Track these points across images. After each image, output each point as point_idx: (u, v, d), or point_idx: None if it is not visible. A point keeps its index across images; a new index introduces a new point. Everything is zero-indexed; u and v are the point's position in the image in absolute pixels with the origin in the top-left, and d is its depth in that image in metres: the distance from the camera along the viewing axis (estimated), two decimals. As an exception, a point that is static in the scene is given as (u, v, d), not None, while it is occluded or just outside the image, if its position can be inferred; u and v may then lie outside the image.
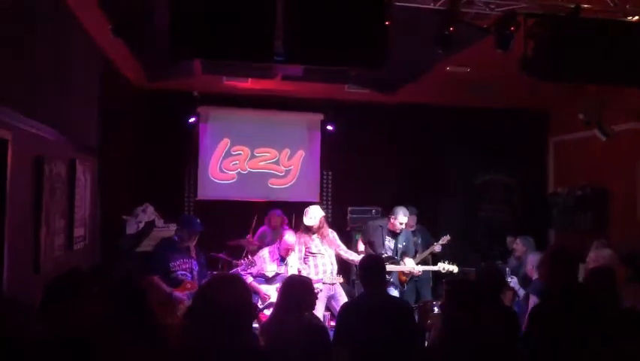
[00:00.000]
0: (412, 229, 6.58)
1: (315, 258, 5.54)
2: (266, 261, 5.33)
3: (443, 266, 5.95)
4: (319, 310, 5.39)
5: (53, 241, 4.22)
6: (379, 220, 6.22)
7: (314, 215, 5.56)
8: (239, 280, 2.38)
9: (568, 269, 3.16)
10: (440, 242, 6.45)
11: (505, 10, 4.11)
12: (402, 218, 5.78)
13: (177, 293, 4.56)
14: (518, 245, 5.83)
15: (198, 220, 4.89)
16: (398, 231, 5.88)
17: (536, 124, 8.81)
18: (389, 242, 5.95)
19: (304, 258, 5.56)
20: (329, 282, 5.48)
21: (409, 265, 5.89)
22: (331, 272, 5.54)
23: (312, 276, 5.32)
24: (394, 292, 5.80)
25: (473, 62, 6.10)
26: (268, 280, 5.30)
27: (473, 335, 2.69)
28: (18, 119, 3.48)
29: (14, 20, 3.44)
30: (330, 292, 5.54)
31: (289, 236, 5.39)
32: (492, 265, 3.98)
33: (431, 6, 4.08)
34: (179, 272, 4.67)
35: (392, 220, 5.84)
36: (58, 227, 4.36)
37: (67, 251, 4.60)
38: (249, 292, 2.28)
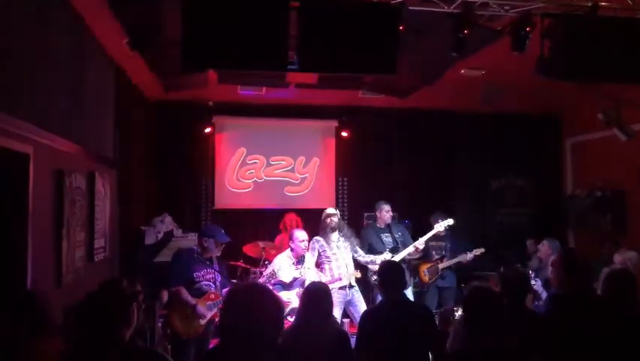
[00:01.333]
0: (442, 235, 6.56)
1: (330, 262, 5.54)
2: (282, 267, 5.31)
3: (439, 225, 6.14)
4: (337, 316, 5.39)
5: (74, 254, 4.26)
6: (368, 224, 6.48)
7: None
8: (264, 288, 2.35)
9: (577, 274, 3.10)
10: (474, 252, 6.36)
11: (520, 11, 4.08)
12: (387, 208, 6.18)
13: (200, 308, 4.49)
14: (544, 246, 5.72)
15: (223, 231, 4.86)
16: (388, 221, 6.20)
17: (551, 126, 8.75)
18: (386, 237, 6.15)
19: (320, 264, 5.57)
20: (347, 282, 5.48)
21: (405, 252, 5.99)
22: (347, 273, 5.55)
23: (328, 279, 5.39)
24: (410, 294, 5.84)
25: (488, 65, 6.06)
26: (286, 286, 5.29)
27: (494, 353, 2.67)
28: (38, 134, 3.52)
29: (30, 35, 3.50)
30: (347, 297, 5.51)
31: (300, 232, 5.43)
32: (516, 270, 3.91)
33: (445, 9, 4.06)
34: (203, 282, 4.60)
35: (379, 215, 6.21)
36: (79, 239, 4.40)
37: (87, 263, 4.64)
38: (277, 302, 2.25)
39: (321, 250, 5.58)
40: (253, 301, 2.10)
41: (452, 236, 6.53)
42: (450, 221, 6.16)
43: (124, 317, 2.32)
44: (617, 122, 6.20)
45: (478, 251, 6.37)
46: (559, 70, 4.04)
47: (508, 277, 3.44)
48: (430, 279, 6.29)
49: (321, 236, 5.65)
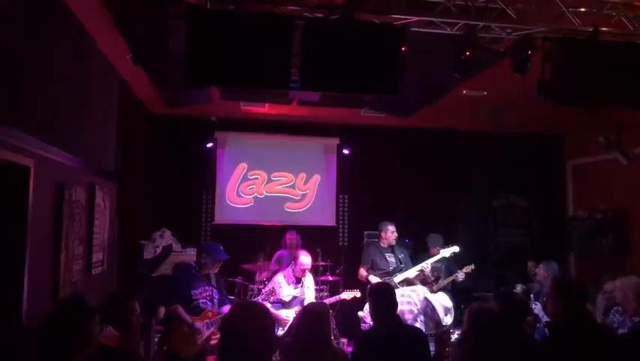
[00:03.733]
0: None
1: None
2: (282, 285, 5.29)
3: (445, 251, 6.16)
4: None
5: (72, 266, 4.24)
6: (372, 242, 6.44)
7: None
8: (264, 308, 2.33)
9: (571, 301, 3.06)
10: (464, 270, 6.37)
11: (521, 34, 4.10)
12: (392, 229, 6.19)
13: (198, 324, 4.49)
14: (540, 270, 5.71)
15: (222, 248, 4.83)
16: (393, 243, 6.20)
17: (553, 148, 8.78)
18: (390, 257, 6.17)
19: None
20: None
21: (410, 274, 6.00)
22: None
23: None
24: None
25: (489, 86, 6.09)
26: (285, 305, 5.26)
27: None
28: (40, 147, 3.53)
29: (34, 48, 3.52)
30: None
31: (304, 257, 5.38)
32: (513, 294, 3.87)
33: (448, 31, 4.09)
34: (200, 300, 4.60)
35: (384, 236, 6.18)
36: (77, 252, 4.38)
37: (85, 276, 4.62)
38: (273, 322, 2.25)
39: None
40: (253, 323, 2.09)
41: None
42: (455, 248, 6.20)
43: (82, 334, 2.35)
44: (618, 146, 6.21)
45: (468, 268, 6.38)
46: (559, 94, 4.05)
47: (506, 303, 3.39)
48: None
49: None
